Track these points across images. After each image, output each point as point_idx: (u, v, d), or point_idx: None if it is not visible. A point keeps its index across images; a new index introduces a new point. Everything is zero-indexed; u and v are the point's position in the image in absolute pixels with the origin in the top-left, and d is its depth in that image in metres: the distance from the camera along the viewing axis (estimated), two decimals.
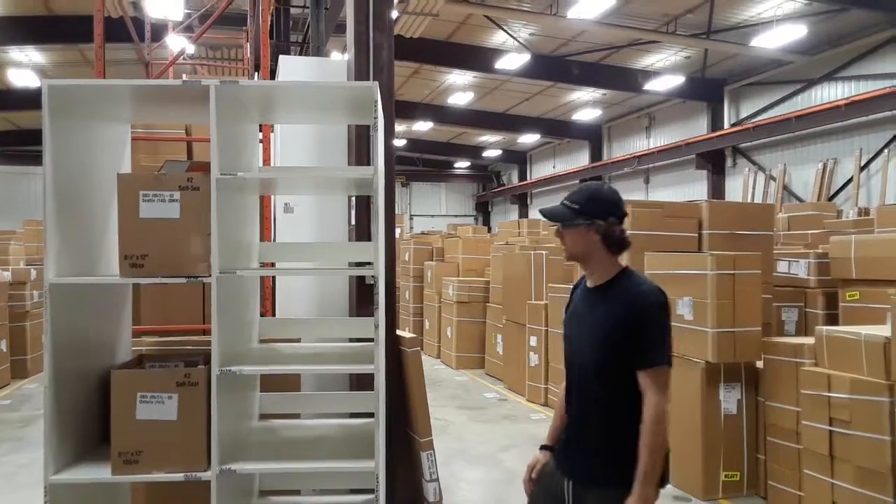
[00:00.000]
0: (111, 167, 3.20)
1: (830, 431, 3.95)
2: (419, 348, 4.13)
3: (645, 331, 2.26)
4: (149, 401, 2.78)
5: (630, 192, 20.27)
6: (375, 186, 2.88)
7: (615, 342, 2.29)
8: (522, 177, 28.09)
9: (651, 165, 20.01)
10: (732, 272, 4.67)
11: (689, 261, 4.90)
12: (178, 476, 2.78)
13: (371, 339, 3.64)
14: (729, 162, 17.48)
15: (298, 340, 3.87)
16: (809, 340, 4.32)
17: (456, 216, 29.54)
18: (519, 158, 28.03)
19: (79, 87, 2.76)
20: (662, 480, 2.32)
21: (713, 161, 17.41)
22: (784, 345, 4.50)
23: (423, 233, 19.62)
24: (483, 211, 31.21)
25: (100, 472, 2.79)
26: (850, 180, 13.93)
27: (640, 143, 20.97)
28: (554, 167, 25.77)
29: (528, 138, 24.41)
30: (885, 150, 13.19)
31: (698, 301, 4.75)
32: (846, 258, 5.58)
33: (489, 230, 22.30)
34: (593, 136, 23.01)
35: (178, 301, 4.39)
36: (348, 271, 3.84)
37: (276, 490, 3.77)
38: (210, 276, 2.77)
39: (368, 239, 4.04)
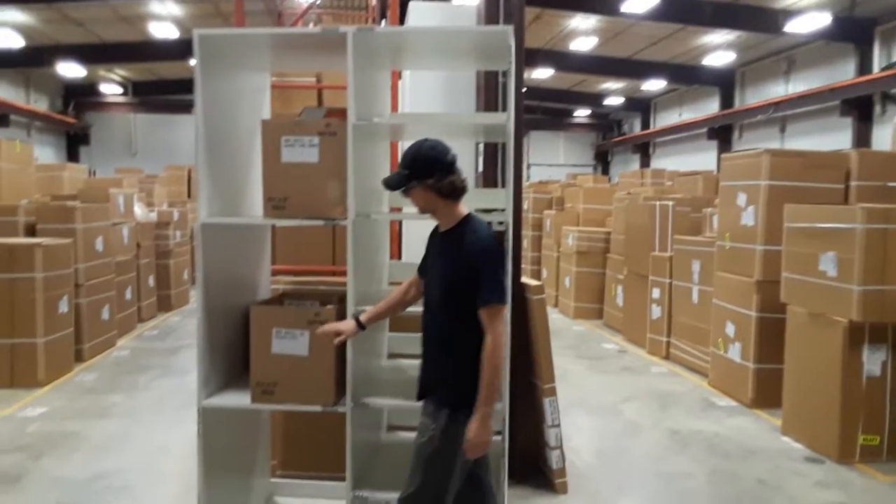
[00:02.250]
0: (253, 114, 3.35)
1: None
2: (544, 296, 4.13)
3: (478, 273, 2.48)
4: (283, 336, 2.94)
5: (763, 142, 19.08)
6: (508, 132, 2.86)
7: (453, 282, 2.54)
8: (645, 125, 27.08)
9: (789, 113, 18.73)
10: (885, 226, 4.34)
11: (834, 214, 4.60)
12: (315, 408, 2.95)
13: None
14: (878, 109, 16.10)
15: None
16: None
17: (574, 166, 28.97)
18: (642, 106, 27.00)
19: (227, 35, 2.88)
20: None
21: (859, 108, 16.08)
22: None
23: (541, 182, 19.40)
24: (602, 161, 30.43)
25: (242, 400, 3.00)
26: None
27: (777, 89, 19.62)
28: (680, 115, 24.65)
29: (653, 85, 23.41)
30: None
31: (843, 257, 4.47)
32: None
33: (609, 180, 21.75)
34: (724, 82, 21.75)
35: (309, 243, 4.58)
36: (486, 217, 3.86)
37: (402, 426, 3.93)
38: (346, 219, 2.87)
39: (495, 186, 4.06)
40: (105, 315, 7.53)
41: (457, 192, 2.59)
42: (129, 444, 4.80)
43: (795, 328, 5.00)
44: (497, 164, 3.96)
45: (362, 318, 2.87)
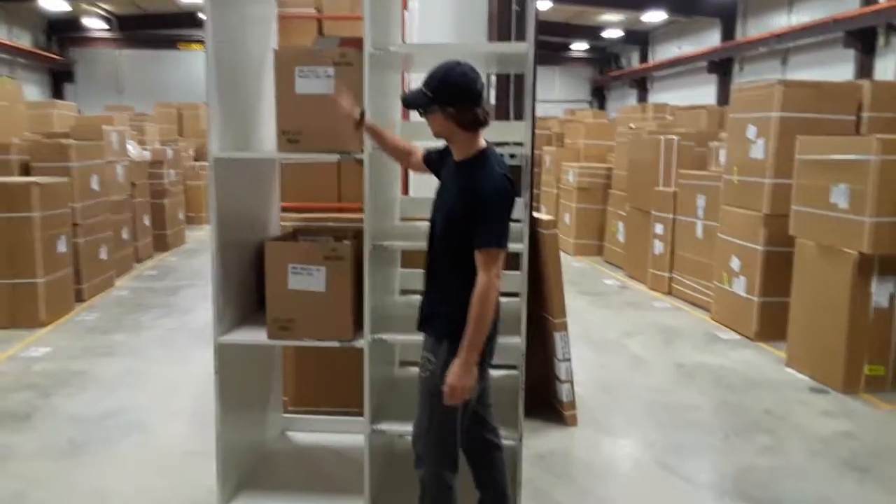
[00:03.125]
0: (261, 45, 3.23)
1: None
2: (556, 230, 4.08)
3: (479, 213, 2.34)
4: (299, 272, 2.89)
5: (764, 74, 18.83)
6: (529, 63, 2.76)
7: (455, 217, 2.42)
8: (643, 59, 26.64)
9: (791, 45, 18.42)
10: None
11: (847, 145, 4.54)
12: (333, 343, 2.92)
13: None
14: (881, 41, 15.83)
15: None
16: None
17: (569, 101, 28.57)
18: (640, 39, 26.50)
19: None
20: (487, 357, 2.51)
21: (863, 39, 15.81)
22: None
23: (539, 118, 19.15)
24: (598, 96, 30.03)
25: (258, 336, 2.97)
26: None
27: (780, 21, 19.24)
28: (679, 48, 24.21)
29: (653, 16, 22.91)
30: None
31: (855, 189, 4.42)
32: None
33: (606, 116, 21.50)
34: (725, 14, 21.27)
35: (314, 181, 4.49)
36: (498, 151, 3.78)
37: (414, 361, 3.92)
38: (362, 151, 2.78)
39: (507, 118, 3.96)
40: (103, 255, 7.46)
41: (478, 124, 2.44)
42: (138, 382, 4.81)
43: (803, 261, 4.99)
44: (509, 96, 3.86)
45: (367, 118, 2.74)
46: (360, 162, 2.84)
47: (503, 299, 3.69)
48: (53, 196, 6.29)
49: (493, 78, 3.90)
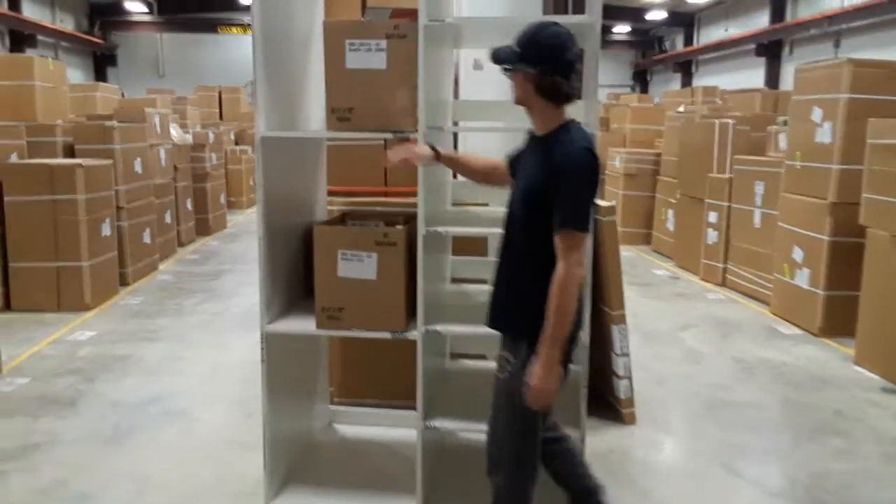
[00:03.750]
0: (308, 18, 3.07)
1: None
2: (615, 217, 3.88)
3: (560, 191, 2.10)
4: (349, 258, 2.74)
5: (816, 57, 18.18)
6: (595, 35, 2.55)
7: (536, 194, 2.17)
8: (688, 42, 25.96)
9: (844, 27, 17.74)
10: None
11: None
12: (385, 334, 2.77)
13: None
14: None
15: (486, 205, 3.73)
16: None
17: (611, 86, 28.02)
18: (685, 21, 25.82)
19: None
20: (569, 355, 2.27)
21: None
22: None
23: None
24: (640, 80, 29.42)
25: (306, 325, 2.83)
26: None
27: (832, 2, 18.56)
28: (726, 30, 23.53)
29: None
30: None
31: None
32: None
33: (651, 100, 21.00)
34: None
35: (360, 163, 4.34)
36: None
37: (464, 353, 3.77)
38: (416, 131, 2.61)
39: None
40: (146, 238, 7.44)
41: (558, 95, 2.16)
42: (181, 368, 4.73)
43: (876, 253, 4.70)
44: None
45: (441, 149, 2.56)
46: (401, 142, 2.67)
47: None
48: (97, 178, 6.25)
49: None
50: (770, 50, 20.55)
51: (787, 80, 19.54)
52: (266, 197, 2.72)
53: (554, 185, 2.12)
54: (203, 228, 9.97)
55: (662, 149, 9.14)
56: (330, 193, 4.03)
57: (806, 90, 5.59)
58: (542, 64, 2.14)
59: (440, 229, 2.73)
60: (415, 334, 2.75)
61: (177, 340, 5.33)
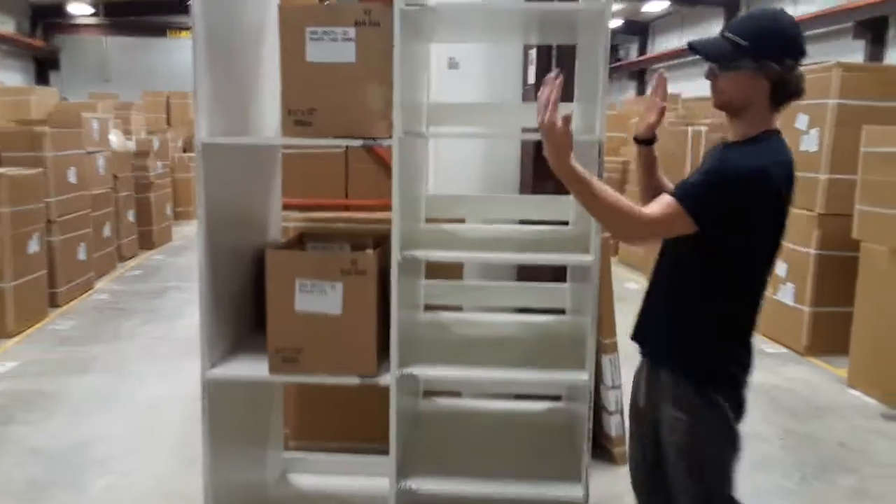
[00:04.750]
0: (258, 5, 2.62)
1: None
2: (607, 234, 3.49)
3: (702, 170, 1.83)
4: (309, 290, 2.29)
5: None
6: (604, 25, 2.15)
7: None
8: (643, 51, 26.08)
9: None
10: None
11: None
12: (352, 379, 2.33)
13: (556, 222, 3.09)
14: (892, 31, 15.33)
15: (463, 220, 3.32)
16: None
17: None
18: (640, 29, 25.93)
19: None
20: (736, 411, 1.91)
21: (873, 29, 15.31)
22: None
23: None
24: None
25: (257, 369, 2.37)
26: None
27: (786, 10, 18.73)
28: (681, 39, 23.67)
29: (655, 6, 22.36)
30: None
31: None
32: None
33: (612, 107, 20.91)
34: (729, 3, 20.77)
35: (317, 171, 3.90)
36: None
37: (438, 391, 3.35)
38: (391, 137, 2.18)
39: None
40: (81, 255, 6.82)
41: (793, 96, 1.83)
42: (116, 405, 4.19)
43: (871, 268, 4.42)
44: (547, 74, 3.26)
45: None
46: (368, 152, 2.25)
47: (546, 318, 3.13)
48: (24, 189, 5.64)
49: (533, 53, 3.29)
50: None
51: None
52: (209, 215, 2.26)
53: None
54: (147, 242, 9.32)
55: (629, 156, 8.87)
56: (285, 207, 3.58)
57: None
58: (789, 56, 1.77)
59: (418, 254, 2.30)
60: (388, 379, 2.32)
61: (112, 371, 4.77)
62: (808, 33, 16.40)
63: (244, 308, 2.62)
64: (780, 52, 1.77)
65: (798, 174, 4.97)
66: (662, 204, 1.78)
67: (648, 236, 1.88)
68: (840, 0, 16.46)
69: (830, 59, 7.16)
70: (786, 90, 1.80)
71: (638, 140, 2.15)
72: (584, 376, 2.31)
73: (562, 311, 3.07)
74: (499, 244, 2.73)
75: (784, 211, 1.82)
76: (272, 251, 2.32)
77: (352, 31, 2.13)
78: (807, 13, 17.34)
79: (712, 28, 21.45)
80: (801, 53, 1.80)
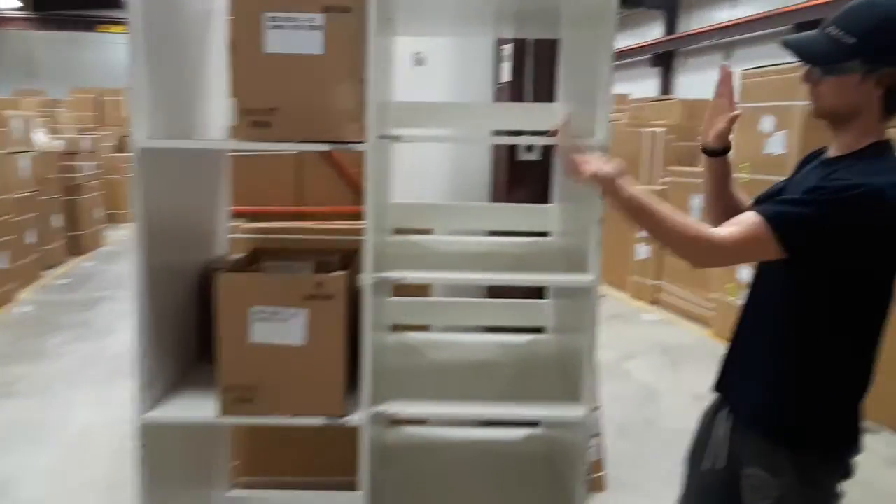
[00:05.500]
0: None
1: None
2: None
3: (810, 192, 1.49)
4: (267, 318, 1.98)
5: (709, 68, 18.65)
6: (611, 16, 1.90)
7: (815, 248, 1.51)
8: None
9: (735, 38, 18.21)
10: None
11: None
12: (317, 420, 2.03)
13: (534, 233, 2.83)
14: None
15: (430, 231, 3.05)
16: None
17: None
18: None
19: None
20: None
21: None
22: None
23: None
24: None
25: (203, 408, 2.04)
26: None
27: (724, 14, 19.04)
28: (620, 42, 23.88)
29: None
30: None
31: None
32: None
33: None
34: (668, 6, 21.05)
35: (268, 176, 3.58)
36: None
37: (404, 420, 3.06)
38: (364, 141, 1.89)
39: (522, 99, 3.11)
40: (2, 263, 6.27)
41: None
42: (39, 436, 3.76)
43: None
44: (523, 70, 3.01)
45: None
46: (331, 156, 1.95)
47: (525, 339, 2.88)
48: None
49: (508, 47, 3.04)
50: (665, 60, 20.97)
51: (680, 89, 19.97)
52: (147, 227, 1.93)
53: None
54: (76, 248, 8.73)
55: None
56: (233, 216, 3.24)
57: (755, 97, 5.22)
58: None
59: (394, 276, 2.01)
60: (358, 419, 2.03)
61: (36, 395, 4.32)
62: (746, 36, 16.70)
63: (188, 335, 2.29)
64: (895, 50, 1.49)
65: (762, 177, 4.83)
66: (744, 224, 1.50)
67: (725, 262, 1.61)
68: (776, 3, 16.78)
69: (769, 62, 7.17)
70: None
71: (707, 151, 1.86)
72: (579, 412, 2.06)
73: (540, 330, 2.83)
74: (478, 260, 2.47)
75: None
76: (224, 274, 2.00)
77: (319, 18, 1.83)
78: (743, 16, 17.68)
79: (652, 29, 21.71)
80: None
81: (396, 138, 1.96)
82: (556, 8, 2.23)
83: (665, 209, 1.57)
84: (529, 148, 3.06)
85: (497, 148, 3.19)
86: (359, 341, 2.01)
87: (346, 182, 3.89)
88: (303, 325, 1.97)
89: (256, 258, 2.34)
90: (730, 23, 17.95)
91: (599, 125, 1.96)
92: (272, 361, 1.99)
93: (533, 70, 3.01)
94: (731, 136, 1.83)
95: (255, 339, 1.98)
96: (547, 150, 3.05)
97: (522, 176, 3.05)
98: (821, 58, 1.55)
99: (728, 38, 18.20)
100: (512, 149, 3.05)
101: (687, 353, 5.36)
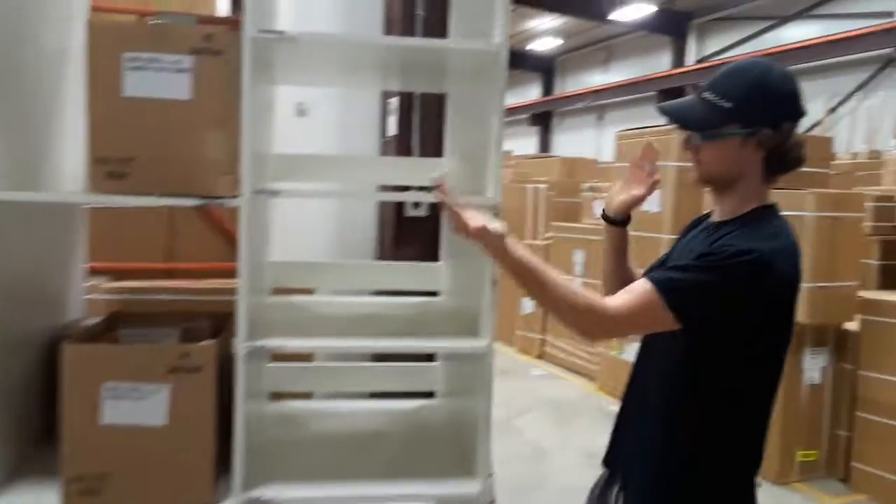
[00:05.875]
0: (59, 24, 2.06)
1: None
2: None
3: (694, 260, 1.46)
4: (122, 395, 1.74)
5: (582, 129, 19.60)
6: (500, 70, 1.84)
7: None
8: None
9: (607, 101, 19.25)
10: (835, 215, 3.85)
11: (781, 200, 3.98)
12: None
13: (423, 293, 2.70)
14: None
15: (312, 291, 2.86)
16: None
17: None
18: None
19: None
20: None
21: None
22: (894, 304, 3.74)
23: None
24: None
25: (44, 501, 1.75)
26: (817, 123, 13.47)
27: (596, 79, 20.13)
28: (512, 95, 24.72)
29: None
30: (858, 93, 12.76)
31: None
32: None
33: None
34: (546, 68, 22.06)
35: (135, 229, 3.30)
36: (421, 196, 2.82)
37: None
38: (238, 196, 1.71)
39: (409, 153, 3.02)
40: None
41: (795, 164, 1.53)
42: None
43: None
44: (411, 124, 2.93)
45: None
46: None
47: (414, 404, 2.72)
48: None
49: (395, 100, 2.95)
50: (543, 120, 21.85)
51: (558, 147, 20.82)
52: None
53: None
54: None
55: None
56: (91, 272, 2.93)
57: (629, 158, 5.38)
58: (780, 119, 1.48)
59: (270, 343, 1.82)
60: None
61: None
62: (616, 99, 17.62)
63: (30, 413, 1.99)
64: (774, 114, 1.49)
65: (640, 234, 4.96)
66: (635, 293, 1.43)
67: (618, 334, 1.56)
68: (645, 70, 17.88)
69: (639, 123, 7.51)
70: (783, 160, 1.50)
71: (608, 219, 1.80)
72: (474, 487, 1.93)
73: (430, 395, 2.68)
74: (365, 323, 2.29)
75: (793, 304, 1.51)
76: (70, 345, 1.74)
77: (187, 61, 1.65)
78: (614, 81, 18.70)
79: (531, 90, 22.60)
80: (800, 114, 1.52)
81: (275, 193, 1.79)
82: (441, 62, 2.15)
83: (555, 275, 1.47)
84: (417, 204, 2.95)
85: (384, 203, 3.07)
86: (231, 417, 1.79)
87: (224, 237, 3.64)
88: (165, 403, 1.74)
89: (114, 324, 2.08)
90: (602, 87, 18.97)
91: (490, 182, 1.87)
92: (128, 445, 1.74)
93: (420, 124, 2.93)
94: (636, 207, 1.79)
95: (107, 420, 1.73)
96: (435, 207, 2.95)
97: (410, 233, 2.94)
98: (699, 123, 1.53)
99: (600, 100, 19.21)
100: (399, 205, 2.94)
101: (575, 408, 5.36)
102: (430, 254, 2.96)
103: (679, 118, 1.58)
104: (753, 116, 1.47)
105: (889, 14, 11.95)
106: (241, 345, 1.76)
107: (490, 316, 1.91)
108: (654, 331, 1.50)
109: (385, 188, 2.83)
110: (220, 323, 2.02)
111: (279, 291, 2.67)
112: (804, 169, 4.87)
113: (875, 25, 11.91)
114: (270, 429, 2.31)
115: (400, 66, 2.25)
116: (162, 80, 1.64)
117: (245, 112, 1.68)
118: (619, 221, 1.79)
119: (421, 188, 2.83)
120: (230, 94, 1.68)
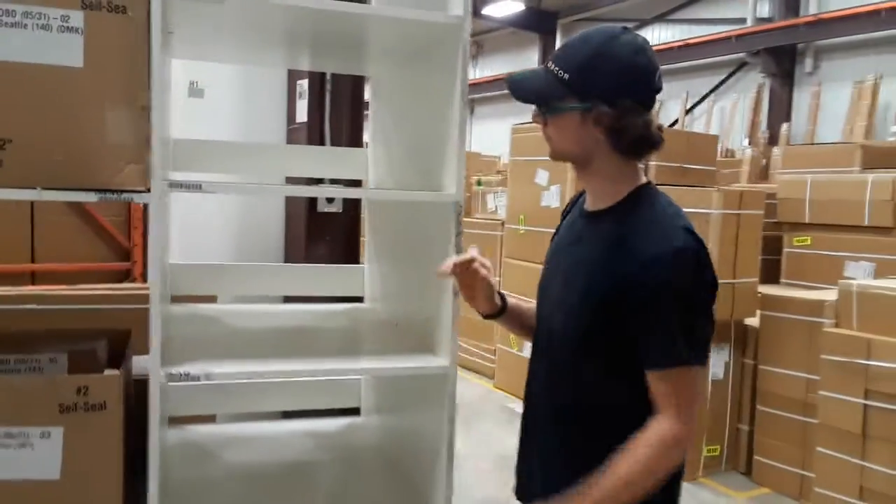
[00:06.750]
0: None
1: (865, 406, 3.33)
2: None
3: (657, 307, 1.26)
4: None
5: None
6: (463, 43, 1.60)
7: (598, 305, 1.32)
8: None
9: (477, 96, 19.40)
10: (739, 212, 3.89)
11: (688, 197, 3.92)
12: None
13: (344, 298, 2.42)
14: None
15: (215, 299, 2.51)
16: (827, 296, 3.67)
17: None
18: None
19: None
20: None
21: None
22: (793, 300, 3.82)
23: None
24: None
25: None
26: (674, 122, 14.16)
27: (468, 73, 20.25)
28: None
29: None
30: (711, 95, 13.54)
31: None
32: (799, 199, 5.02)
33: None
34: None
35: None
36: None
37: None
38: (146, 189, 1.37)
39: (321, 143, 2.71)
40: None
41: (643, 145, 1.32)
42: None
43: None
44: (324, 109, 2.61)
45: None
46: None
47: (337, 423, 2.43)
48: None
49: (305, 82, 2.62)
50: None
51: None
52: None
53: (636, 298, 1.26)
54: None
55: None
56: None
57: (528, 151, 5.29)
58: (626, 94, 1.29)
59: (195, 370, 1.48)
60: None
61: None
62: (486, 94, 17.75)
63: None
64: (612, 88, 1.29)
65: (537, 229, 4.85)
66: (677, 386, 1.28)
67: (694, 429, 1.31)
68: (513, 66, 18.14)
69: (507, 119, 7.53)
70: (627, 137, 1.30)
71: (490, 316, 1.58)
72: None
73: (356, 412, 2.40)
74: (292, 338, 1.99)
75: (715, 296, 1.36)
76: None
77: (77, 17, 1.30)
78: (482, 76, 18.87)
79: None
80: (651, 90, 1.33)
81: (197, 186, 1.45)
82: (362, 37, 1.84)
83: (621, 472, 1.27)
84: (331, 199, 2.65)
85: (292, 198, 2.75)
86: (135, 457, 1.45)
87: (95, 231, 3.18)
88: (58, 452, 1.37)
89: None
90: (472, 81, 19.06)
91: (449, 178, 1.63)
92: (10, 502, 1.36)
93: (330, 109, 2.63)
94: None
95: None
96: (352, 203, 2.67)
97: (323, 230, 2.64)
98: (538, 95, 1.37)
99: (470, 95, 19.26)
100: (311, 200, 2.62)
101: (475, 408, 5.20)
102: (348, 254, 2.68)
103: (520, 90, 1.39)
104: (588, 90, 1.30)
105: (742, 21, 12.72)
106: (155, 372, 1.42)
107: (450, 332, 1.66)
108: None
109: (295, 180, 2.52)
110: (115, 342, 1.66)
111: (176, 299, 2.30)
112: (692, 166, 4.84)
113: (729, 31, 12.66)
114: (177, 465, 1.95)
115: (309, 38, 1.90)
116: (44, 40, 1.28)
117: (156, 85, 1.34)
118: (499, 312, 1.59)
119: (336, 181, 2.55)
120: (135, 63, 1.34)
